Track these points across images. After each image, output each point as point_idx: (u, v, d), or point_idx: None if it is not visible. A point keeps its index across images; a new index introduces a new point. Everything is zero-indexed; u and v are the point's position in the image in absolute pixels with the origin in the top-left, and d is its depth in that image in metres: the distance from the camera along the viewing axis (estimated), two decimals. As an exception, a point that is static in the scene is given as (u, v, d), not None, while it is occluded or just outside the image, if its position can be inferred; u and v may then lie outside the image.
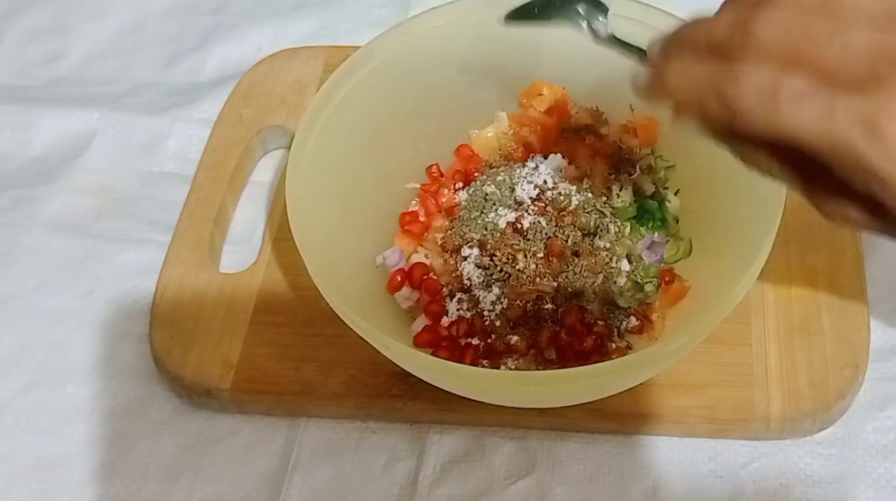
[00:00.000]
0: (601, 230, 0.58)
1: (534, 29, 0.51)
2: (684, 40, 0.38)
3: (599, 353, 0.55)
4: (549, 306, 0.56)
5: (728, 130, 0.38)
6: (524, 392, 0.50)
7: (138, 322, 0.61)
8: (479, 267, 0.57)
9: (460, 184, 0.61)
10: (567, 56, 0.61)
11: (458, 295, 0.57)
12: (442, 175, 0.62)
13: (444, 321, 0.57)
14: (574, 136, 0.62)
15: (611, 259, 0.57)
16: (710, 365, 0.55)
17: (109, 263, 0.65)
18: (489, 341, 0.55)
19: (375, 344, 0.50)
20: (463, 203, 0.60)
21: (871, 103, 0.33)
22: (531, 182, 0.59)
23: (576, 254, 0.57)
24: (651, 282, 0.57)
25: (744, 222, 0.53)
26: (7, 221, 0.67)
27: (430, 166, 0.62)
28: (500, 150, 0.63)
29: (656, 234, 0.59)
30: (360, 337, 0.50)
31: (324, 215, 0.56)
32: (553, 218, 0.58)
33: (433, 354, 0.54)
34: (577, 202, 0.58)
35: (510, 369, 0.55)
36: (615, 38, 0.47)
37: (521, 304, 0.56)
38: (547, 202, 0.58)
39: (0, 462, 0.57)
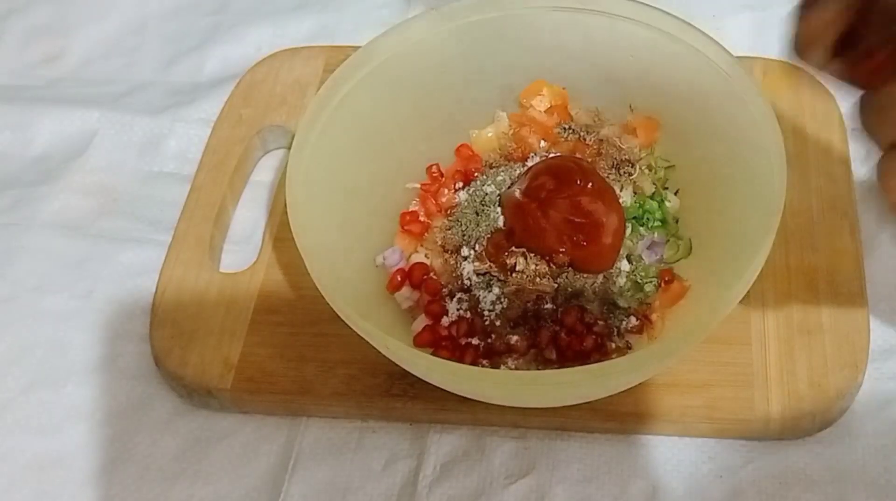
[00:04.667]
0: (601, 230, 0.58)
1: (534, 29, 0.51)
2: None
3: (599, 353, 0.55)
4: (549, 306, 0.56)
5: None
6: (524, 392, 0.50)
7: (138, 322, 0.61)
8: (479, 267, 0.57)
9: (460, 184, 0.61)
10: (567, 56, 0.61)
11: (458, 295, 0.57)
12: (442, 175, 0.62)
13: (444, 321, 0.57)
14: (574, 136, 0.62)
15: (611, 259, 0.57)
16: (710, 365, 0.55)
17: (109, 263, 0.65)
18: (489, 341, 0.55)
19: (375, 344, 0.50)
20: (463, 203, 0.60)
21: None
22: (531, 182, 0.59)
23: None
24: (651, 282, 0.57)
25: (744, 222, 0.53)
26: (7, 221, 0.67)
27: (430, 166, 0.62)
28: (500, 150, 0.63)
29: (656, 234, 0.59)
30: (360, 337, 0.50)
31: (324, 215, 0.56)
32: (553, 218, 0.58)
33: (433, 354, 0.54)
34: (577, 202, 0.58)
35: (510, 369, 0.55)
36: None
37: (521, 304, 0.56)
38: (547, 202, 0.58)
39: (0, 462, 0.57)
